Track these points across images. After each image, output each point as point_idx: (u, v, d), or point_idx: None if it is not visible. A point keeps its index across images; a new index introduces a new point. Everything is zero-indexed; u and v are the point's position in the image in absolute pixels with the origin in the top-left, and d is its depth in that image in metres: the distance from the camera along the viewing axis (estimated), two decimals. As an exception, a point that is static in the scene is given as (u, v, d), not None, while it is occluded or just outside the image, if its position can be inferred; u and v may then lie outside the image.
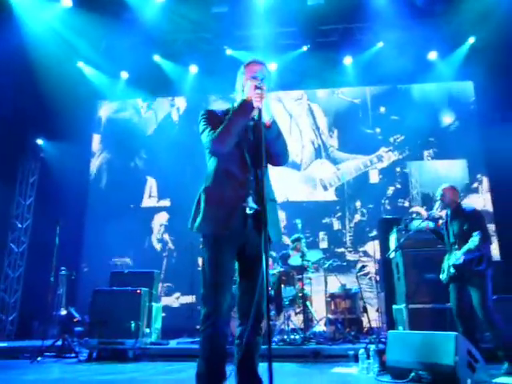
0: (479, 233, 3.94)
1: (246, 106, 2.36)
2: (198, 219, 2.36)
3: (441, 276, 4.39)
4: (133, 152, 9.55)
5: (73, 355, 5.31)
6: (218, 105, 9.10)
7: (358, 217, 8.66)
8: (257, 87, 2.31)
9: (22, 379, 4.04)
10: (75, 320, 6.65)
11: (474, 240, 3.93)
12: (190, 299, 7.85)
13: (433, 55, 8.75)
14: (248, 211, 2.34)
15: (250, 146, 2.41)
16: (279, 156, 2.49)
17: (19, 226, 8.90)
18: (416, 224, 4.69)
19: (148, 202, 9.27)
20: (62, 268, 7.25)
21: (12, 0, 7.33)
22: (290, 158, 2.63)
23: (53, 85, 7.72)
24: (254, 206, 2.35)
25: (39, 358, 5.04)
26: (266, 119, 2.33)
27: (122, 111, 9.84)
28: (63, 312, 6.81)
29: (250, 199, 2.35)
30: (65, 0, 7.60)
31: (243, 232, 2.35)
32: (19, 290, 8.57)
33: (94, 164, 9.62)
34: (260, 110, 2.28)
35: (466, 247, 4.04)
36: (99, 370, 4.55)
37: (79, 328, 6.62)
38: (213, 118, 2.44)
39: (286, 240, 7.05)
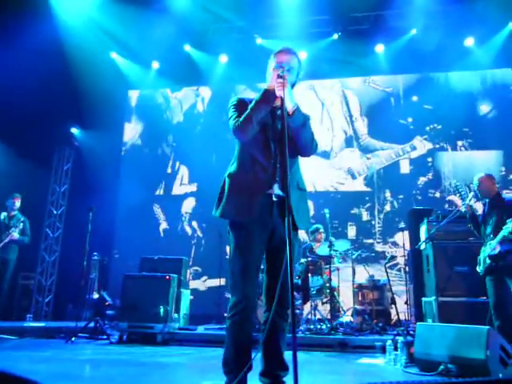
0: None
1: (268, 94, 2.38)
2: (222, 204, 2.38)
3: (477, 268, 4.27)
4: (161, 140, 9.69)
5: (104, 337, 5.48)
6: (247, 94, 9.10)
7: (387, 207, 8.52)
8: (279, 76, 2.31)
9: (58, 358, 4.22)
10: (107, 304, 6.86)
11: (508, 226, 3.80)
12: (217, 282, 7.93)
13: (470, 41, 8.40)
14: (274, 198, 2.35)
15: (276, 133, 2.42)
16: (305, 145, 2.47)
17: (54, 212, 9.23)
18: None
19: (178, 189, 9.40)
20: (95, 253, 7.50)
21: (48, -9, 7.52)
22: (320, 148, 2.61)
23: (87, 75, 7.93)
24: (280, 193, 2.35)
25: (73, 339, 5.24)
26: (288, 107, 2.33)
27: (153, 100, 9.97)
28: (95, 296, 7.05)
29: (275, 186, 2.35)
30: (99, -9, 7.73)
31: (269, 219, 2.36)
32: (54, 274, 8.91)
33: (126, 151, 9.81)
34: (282, 99, 2.28)
35: (500, 235, 3.90)
36: (129, 352, 4.69)
37: (111, 311, 6.84)
38: (241, 106, 2.46)
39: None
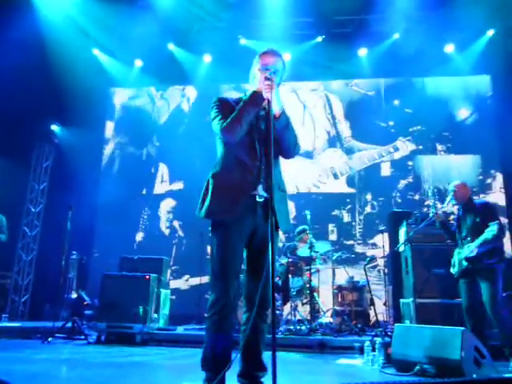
0: (497, 223, 3.91)
1: (256, 96, 2.40)
2: (205, 205, 2.39)
3: (451, 270, 4.37)
4: (145, 139, 9.61)
5: (82, 337, 5.41)
6: (231, 94, 9.09)
7: (368, 209, 8.62)
8: (266, 78, 2.33)
9: (34, 358, 4.15)
10: (85, 303, 6.78)
11: (493, 229, 3.90)
12: (198, 280, 7.90)
13: (450, 48, 8.58)
14: (258, 199, 2.36)
15: (261, 135, 2.44)
16: (289, 147, 2.50)
17: (32, 210, 9.05)
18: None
19: (159, 188, 9.33)
20: (74, 252, 7.39)
21: (29, -14, 7.38)
22: (301, 149, 2.64)
23: (68, 71, 7.81)
24: (264, 194, 2.37)
25: (50, 339, 5.16)
26: (275, 110, 2.35)
27: (136, 99, 9.88)
28: (74, 295, 6.95)
29: (260, 187, 2.37)
30: (81, -13, 7.63)
31: (252, 220, 2.38)
32: (31, 273, 8.74)
33: (107, 150, 9.70)
34: (269, 101, 2.30)
35: (481, 238, 4.00)
36: (107, 353, 4.64)
37: (89, 311, 6.75)
38: (224, 106, 2.47)
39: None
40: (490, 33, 8.24)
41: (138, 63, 9.36)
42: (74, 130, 9.04)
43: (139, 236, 9.06)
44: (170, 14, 8.02)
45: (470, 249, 4.11)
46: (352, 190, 8.74)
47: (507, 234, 7.98)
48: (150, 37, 8.38)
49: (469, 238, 4.19)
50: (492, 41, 8.23)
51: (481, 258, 4.03)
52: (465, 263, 4.15)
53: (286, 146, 2.48)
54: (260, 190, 2.38)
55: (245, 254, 2.49)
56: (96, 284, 6.05)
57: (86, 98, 8.31)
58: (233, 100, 2.53)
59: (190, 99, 9.73)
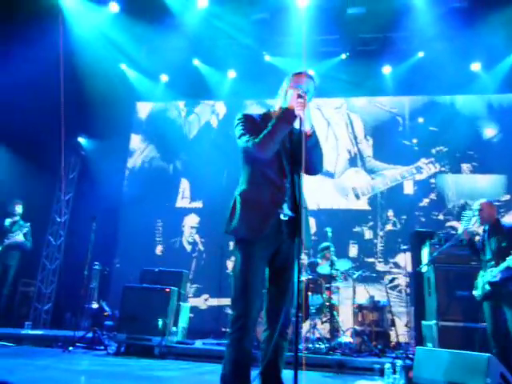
0: None
1: (290, 113, 2.40)
2: (234, 222, 2.39)
3: (474, 292, 4.27)
4: (171, 153, 9.73)
5: (102, 348, 5.47)
6: (254, 109, 9.18)
7: (389, 227, 8.50)
8: (299, 96, 2.35)
9: (55, 367, 4.20)
10: (106, 314, 6.85)
11: None
12: (217, 302, 7.92)
13: (476, 66, 8.50)
14: (282, 217, 2.37)
15: (288, 152, 2.45)
16: (315, 165, 2.52)
17: (58, 219, 9.26)
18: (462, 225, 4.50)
19: (181, 203, 9.43)
20: (96, 263, 7.51)
21: (63, 5, 7.68)
22: (325, 167, 2.65)
23: (96, 85, 8.05)
24: (289, 213, 2.38)
25: (71, 348, 5.23)
26: (306, 128, 2.37)
27: (162, 113, 10.06)
28: (95, 305, 7.04)
29: (285, 206, 2.38)
30: (112, 5, 7.90)
31: (277, 238, 2.38)
32: (55, 282, 8.90)
33: (132, 163, 9.88)
34: (301, 119, 2.32)
35: (504, 264, 3.90)
36: (126, 365, 4.67)
37: (109, 322, 6.81)
38: (250, 123, 2.49)
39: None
40: (517, 52, 8.14)
41: (164, 78, 9.58)
42: (100, 142, 9.27)
43: (161, 249, 9.14)
44: (195, 29, 8.21)
45: (493, 273, 4.02)
46: (373, 208, 8.65)
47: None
48: (175, 52, 8.58)
49: (493, 262, 4.09)
50: (520, 59, 8.14)
51: (505, 282, 3.93)
52: (488, 287, 4.06)
53: (313, 164, 2.49)
54: (285, 208, 2.38)
55: (267, 271, 2.49)
56: (117, 295, 6.11)
57: (112, 111, 8.53)
58: (258, 115, 2.55)
59: (220, 114, 9.84)
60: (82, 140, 9.52)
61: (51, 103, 7.63)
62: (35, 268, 8.72)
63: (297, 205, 2.32)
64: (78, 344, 5.44)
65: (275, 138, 2.37)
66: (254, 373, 2.31)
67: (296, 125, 2.42)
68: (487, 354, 3.27)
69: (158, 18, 7.95)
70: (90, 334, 5.62)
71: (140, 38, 8.29)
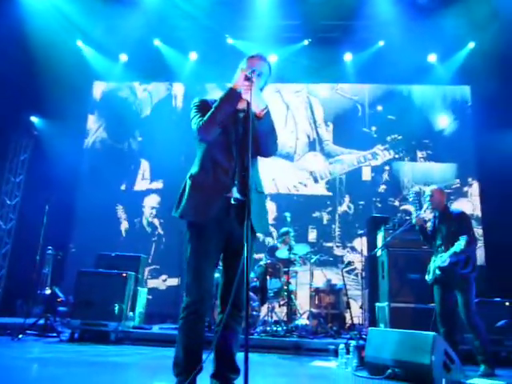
0: (466, 237, 3.99)
1: (232, 94, 2.38)
2: (181, 205, 2.39)
3: (426, 277, 4.45)
4: (127, 134, 9.48)
5: (54, 335, 5.31)
6: (216, 93, 9.06)
7: (348, 212, 8.70)
8: (246, 78, 2.32)
9: (2, 355, 4.05)
10: (59, 300, 6.65)
11: (460, 243, 3.98)
12: (176, 281, 7.86)
13: (432, 58, 8.77)
14: (232, 201, 2.36)
15: (238, 135, 2.44)
16: (267, 147, 2.49)
17: (8, 202, 8.85)
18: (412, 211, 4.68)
19: (140, 184, 9.23)
20: (49, 247, 7.24)
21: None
22: (284, 150, 2.64)
23: (50, 62, 7.65)
24: (238, 196, 2.37)
25: (20, 336, 5.04)
26: (258, 109, 2.35)
27: (118, 92, 9.75)
28: (47, 291, 6.81)
29: (234, 189, 2.37)
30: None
31: (227, 222, 2.37)
32: (4, 267, 8.54)
33: (88, 144, 9.54)
34: (248, 102, 2.29)
35: (452, 250, 4.09)
36: (79, 351, 4.57)
37: (63, 308, 6.63)
38: (204, 107, 2.46)
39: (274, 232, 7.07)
40: (471, 45, 8.45)
41: (123, 57, 9.26)
42: (54, 122, 8.85)
43: (118, 233, 8.94)
44: (156, 9, 7.97)
45: (442, 259, 4.20)
46: (332, 193, 8.81)
47: (481, 243, 8.18)
48: (135, 31, 8.29)
49: (443, 247, 4.27)
50: (472, 53, 8.44)
51: (454, 267, 4.12)
52: (438, 272, 4.24)
53: (265, 145, 2.47)
54: (234, 192, 2.36)
55: (221, 256, 2.49)
56: (72, 281, 5.94)
57: (67, 90, 8.13)
58: (212, 101, 2.50)
59: (178, 95, 9.63)
60: (34, 119, 9.07)
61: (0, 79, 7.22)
62: (-17, 253, 8.34)
63: (246, 188, 2.30)
64: (28, 331, 5.24)
65: (217, 119, 2.35)
66: (206, 356, 2.31)
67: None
68: (433, 333, 3.44)
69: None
70: (41, 321, 5.44)
71: (98, 14, 7.94)
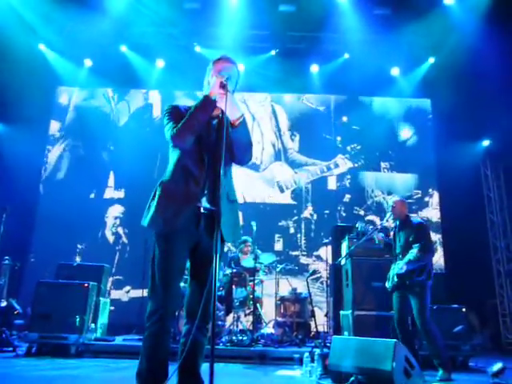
0: (419, 245, 4.16)
1: (207, 102, 2.34)
2: (149, 214, 2.33)
3: (386, 284, 4.56)
4: (96, 141, 9.24)
5: (10, 349, 5.08)
6: (183, 101, 9.01)
7: (313, 221, 8.81)
8: (222, 85, 2.28)
9: (-48, 372, 3.85)
10: (16, 312, 6.37)
11: (413, 252, 4.19)
12: (140, 293, 7.70)
13: (395, 71, 9.09)
14: (202, 211, 2.34)
15: (211, 144, 2.40)
16: (241, 156, 2.46)
17: (-37, 210, 8.44)
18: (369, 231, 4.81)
19: (106, 193, 9.01)
20: (6, 257, 6.94)
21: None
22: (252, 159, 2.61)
23: (10, 65, 7.41)
24: (208, 206, 2.35)
25: (-27, 351, 4.80)
26: (234, 117, 2.33)
27: (89, 99, 9.52)
28: (3, 303, 6.51)
29: (204, 199, 2.34)
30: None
31: (195, 231, 2.34)
32: (-42, 278, 8.11)
33: (52, 152, 9.25)
34: (223, 110, 2.28)
35: (406, 258, 4.26)
36: (37, 366, 4.40)
37: (20, 321, 6.35)
38: (176, 114, 2.41)
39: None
40: (431, 60, 8.81)
41: (88, 63, 9.08)
42: (13, 127, 8.54)
43: (82, 242, 8.69)
44: (122, 15, 7.88)
45: (399, 266, 4.34)
46: (298, 202, 8.91)
47: (440, 249, 8.46)
48: (101, 36, 8.17)
49: (401, 255, 4.41)
50: (433, 67, 8.80)
51: (410, 274, 4.25)
52: (396, 279, 4.36)
53: (240, 154, 2.44)
54: (204, 201, 2.34)
55: (188, 265, 2.46)
56: (30, 292, 5.71)
57: (29, 94, 7.90)
58: (184, 108, 2.46)
59: (153, 103, 9.50)
60: (-7, 124, 8.73)
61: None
62: None
63: (217, 197, 2.29)
64: (-19, 346, 5.01)
65: (192, 127, 2.31)
66: (172, 368, 2.27)
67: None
68: (394, 340, 3.51)
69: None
70: (-4, 335, 5.20)
71: (61, 18, 7.76)
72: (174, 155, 2.42)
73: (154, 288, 2.30)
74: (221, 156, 2.15)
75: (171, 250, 2.31)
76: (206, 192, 2.34)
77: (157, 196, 2.35)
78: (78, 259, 8.31)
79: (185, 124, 2.31)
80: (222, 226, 2.20)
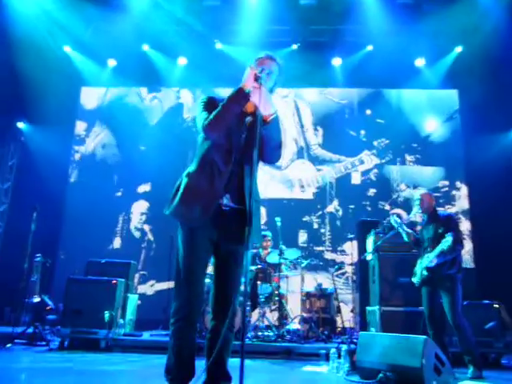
0: (452, 234, 4.01)
1: (241, 93, 2.29)
2: (173, 204, 2.33)
3: (413, 279, 4.47)
4: (121, 140, 9.37)
5: (43, 343, 5.24)
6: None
7: (338, 216, 8.73)
8: (256, 77, 2.24)
9: (-10, 366, 3.99)
10: (48, 308, 6.57)
11: (448, 240, 3.99)
12: (166, 286, 7.80)
13: (420, 62, 8.87)
14: (224, 208, 2.32)
15: (240, 141, 2.37)
16: (271, 154, 2.41)
17: (-5, 209, 8.74)
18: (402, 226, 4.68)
19: (133, 191, 9.15)
20: (38, 255, 7.15)
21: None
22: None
23: (37, 67, 7.61)
24: (230, 204, 2.32)
25: (9, 345, 4.97)
26: (267, 113, 2.28)
27: (114, 98, 9.65)
28: (36, 299, 6.72)
29: (228, 196, 2.32)
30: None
31: (217, 228, 2.32)
32: (-8, 275, 8.40)
33: (79, 151, 9.45)
34: (256, 105, 2.24)
35: (438, 248, 4.10)
36: (69, 360, 4.51)
37: (52, 316, 6.54)
38: (211, 105, 2.38)
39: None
40: (459, 49, 8.56)
41: (112, 63, 9.22)
42: (41, 127, 8.77)
43: (109, 239, 8.87)
44: (145, 15, 7.96)
45: (429, 259, 4.21)
46: (322, 197, 8.83)
47: (470, 244, 8.26)
48: (123, 37, 8.26)
49: (429, 249, 4.29)
50: (460, 57, 8.55)
51: (440, 267, 4.14)
52: (425, 273, 4.26)
53: (269, 152, 2.38)
54: (227, 198, 2.32)
55: (213, 262, 2.46)
56: (61, 288, 5.87)
57: (55, 95, 8.08)
58: (220, 99, 2.41)
59: (184, 101, 9.56)
60: (21, 125, 8.98)
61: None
62: (-30, 261, 8.20)
63: (242, 195, 2.27)
64: (16, 340, 5.18)
65: (224, 118, 2.28)
66: (200, 363, 2.29)
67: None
68: (423, 337, 3.45)
69: (105, 0, 7.63)
70: (30, 330, 5.37)
71: (86, 19, 7.92)
72: (202, 148, 2.40)
73: (179, 285, 2.31)
74: (249, 154, 2.11)
75: (194, 244, 2.30)
76: (230, 187, 2.32)
77: (182, 186, 2.34)
78: (105, 256, 8.48)
79: (217, 115, 2.28)
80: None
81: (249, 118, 2.43)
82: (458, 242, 4.10)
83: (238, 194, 2.32)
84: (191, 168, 2.38)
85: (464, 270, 4.24)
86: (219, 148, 2.34)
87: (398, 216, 4.72)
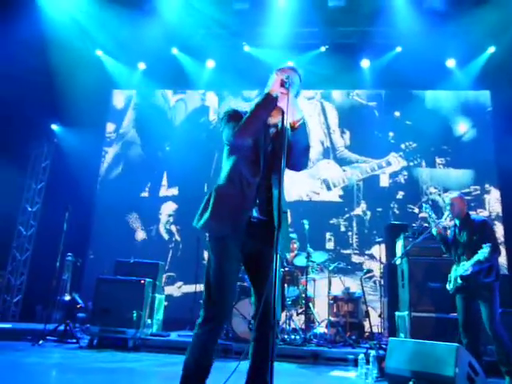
0: (490, 245, 3.87)
1: (269, 99, 2.28)
2: (204, 217, 2.31)
3: (447, 286, 4.34)
4: (150, 141, 9.52)
5: (74, 341, 5.36)
6: (235, 101, 9.14)
7: (365, 219, 8.61)
8: (282, 83, 2.23)
9: (23, 361, 4.10)
10: (78, 306, 6.72)
11: (485, 251, 3.85)
12: (193, 288, 7.86)
13: (451, 63, 8.67)
14: (252, 219, 2.29)
15: (267, 152, 2.35)
16: (299, 161, 2.39)
17: (29, 209, 9.00)
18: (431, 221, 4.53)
19: (160, 192, 9.29)
20: (69, 254, 7.33)
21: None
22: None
23: (70, 71, 7.82)
24: (258, 216, 2.29)
25: (41, 342, 5.11)
26: (294, 118, 2.27)
27: (142, 101, 9.82)
28: (67, 298, 6.89)
29: (256, 208, 2.30)
30: (87, -11, 7.66)
31: (247, 240, 2.30)
32: (25, 273, 8.67)
33: (109, 152, 9.66)
34: (283, 112, 2.21)
35: (475, 258, 3.96)
36: (98, 358, 4.60)
37: (82, 314, 6.69)
38: (236, 116, 2.37)
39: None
40: (491, 50, 8.32)
41: (141, 66, 9.38)
42: (74, 130, 9.02)
43: (137, 239, 9.02)
44: (174, 19, 8.06)
45: (464, 267, 4.08)
46: (349, 200, 8.73)
47: (503, 250, 7.98)
48: (154, 40, 8.40)
49: (465, 256, 4.15)
50: (492, 57, 8.31)
51: (476, 276, 4.00)
52: (460, 281, 4.12)
53: (297, 158, 2.36)
54: (255, 210, 2.29)
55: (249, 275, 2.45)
56: (90, 287, 6.00)
57: (87, 98, 8.28)
58: (243, 112, 2.41)
59: (210, 104, 9.66)
60: (55, 127, 9.25)
61: (23, 89, 7.39)
62: (5, 259, 8.49)
63: (271, 207, 2.24)
64: (48, 337, 5.31)
65: (253, 125, 2.27)
66: (230, 365, 2.27)
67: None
68: (456, 344, 3.35)
69: (136, 5, 7.77)
70: (61, 327, 5.50)
71: (116, 24, 8.07)
72: (229, 161, 2.38)
73: (209, 297, 2.27)
74: (276, 165, 2.08)
75: (225, 257, 2.28)
76: (258, 201, 2.29)
77: (212, 199, 2.32)
78: (133, 256, 8.62)
79: (246, 122, 2.27)
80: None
81: (273, 130, 2.42)
82: (495, 250, 3.94)
83: (266, 205, 2.30)
84: (220, 181, 2.38)
85: (501, 277, 4.09)
86: (246, 160, 2.33)
87: (430, 205, 4.56)
